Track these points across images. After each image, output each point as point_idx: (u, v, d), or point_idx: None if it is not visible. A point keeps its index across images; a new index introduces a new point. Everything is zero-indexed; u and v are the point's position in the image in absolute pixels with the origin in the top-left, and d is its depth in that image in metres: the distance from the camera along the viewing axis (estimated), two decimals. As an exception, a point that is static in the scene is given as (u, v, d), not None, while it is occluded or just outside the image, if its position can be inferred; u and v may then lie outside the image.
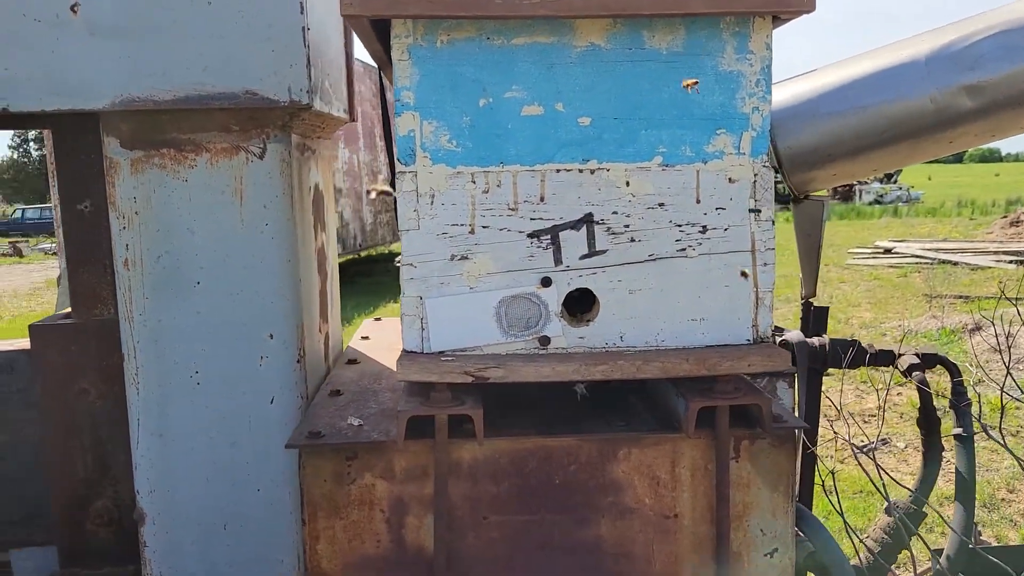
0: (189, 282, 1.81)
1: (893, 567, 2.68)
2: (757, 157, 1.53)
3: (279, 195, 1.79)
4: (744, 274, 1.54)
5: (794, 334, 2.64)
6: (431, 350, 1.53)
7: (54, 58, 1.69)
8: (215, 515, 1.87)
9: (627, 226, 1.53)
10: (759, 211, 1.54)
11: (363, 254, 22.35)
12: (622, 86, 1.51)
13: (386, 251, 21.43)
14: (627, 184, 1.52)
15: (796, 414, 2.54)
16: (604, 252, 1.53)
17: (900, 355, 2.64)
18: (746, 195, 1.54)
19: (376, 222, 21.58)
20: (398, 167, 1.51)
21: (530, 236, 1.53)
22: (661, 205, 1.53)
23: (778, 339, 2.60)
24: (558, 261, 1.53)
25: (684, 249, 1.54)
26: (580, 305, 1.57)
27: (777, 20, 1.51)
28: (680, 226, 1.54)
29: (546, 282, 1.53)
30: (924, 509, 2.64)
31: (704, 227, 1.54)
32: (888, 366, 2.66)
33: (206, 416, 1.84)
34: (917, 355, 2.62)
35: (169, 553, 1.89)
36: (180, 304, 1.81)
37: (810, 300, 2.78)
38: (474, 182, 1.51)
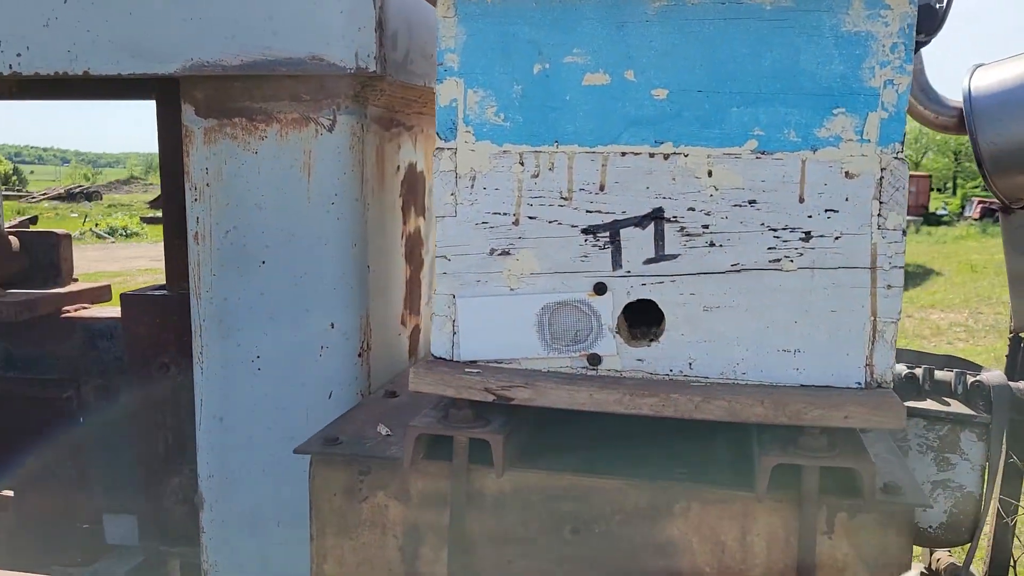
0: (255, 260, 1.70)
1: None
2: (887, 146, 1.17)
3: (348, 172, 1.64)
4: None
5: (994, 375, 2.15)
6: (460, 358, 1.31)
7: (130, 20, 1.63)
8: (270, 510, 1.76)
9: (706, 227, 1.22)
10: (885, 217, 1.18)
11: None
12: (711, 51, 1.20)
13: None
14: (709, 174, 1.22)
15: (985, 473, 2.06)
16: (675, 257, 1.23)
17: None
18: (868, 195, 1.18)
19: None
20: (437, 142, 1.29)
21: (585, 232, 1.26)
22: (752, 203, 1.21)
23: (971, 380, 2.12)
24: (617, 265, 1.25)
25: (779, 260, 1.21)
26: (644, 321, 1.28)
27: (929, -35, 1.14)
28: (776, 231, 1.21)
29: (600, 289, 1.25)
30: None
31: (808, 233, 1.20)
32: (1119, 427, 2.09)
33: (265, 405, 1.73)
34: None
35: (223, 543, 1.80)
36: (245, 283, 1.71)
37: (1021, 335, 2.25)
38: (522, 164, 1.27)
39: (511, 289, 1.29)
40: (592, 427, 1.44)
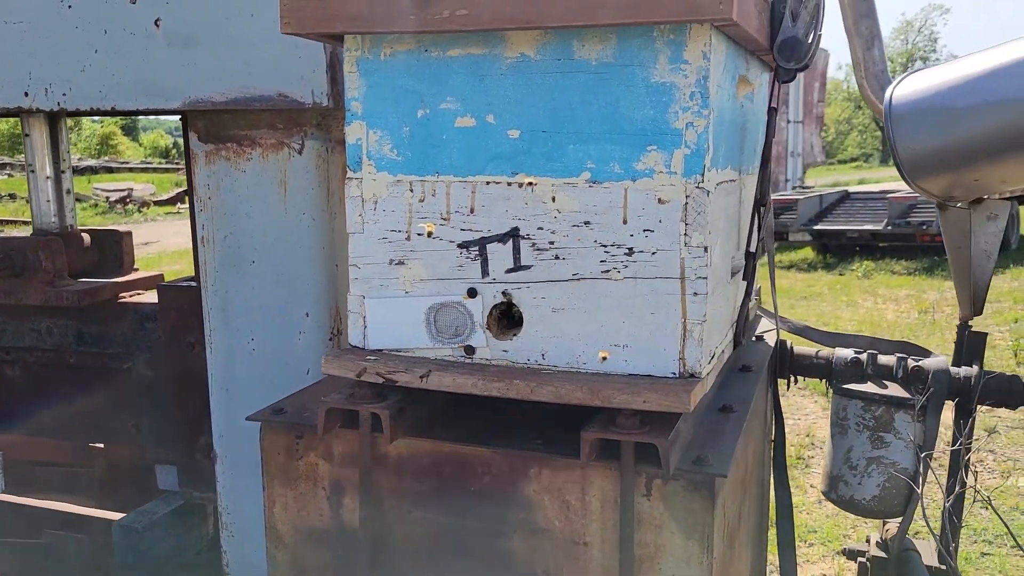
0: (247, 260, 2.06)
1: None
2: (690, 177, 1.40)
3: (315, 187, 1.97)
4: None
5: (936, 360, 2.29)
6: (368, 347, 1.62)
7: (144, 67, 2.01)
8: (266, 464, 2.13)
9: (552, 243, 1.49)
10: (690, 236, 1.41)
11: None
12: (551, 98, 1.46)
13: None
14: (553, 200, 1.48)
15: (920, 450, 2.22)
16: (529, 267, 1.51)
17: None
18: (677, 218, 1.41)
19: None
20: (348, 173, 1.60)
21: (460, 246, 1.54)
22: (587, 223, 1.46)
23: (911, 364, 2.28)
24: (485, 273, 1.53)
25: (609, 271, 1.46)
26: (511, 319, 1.56)
27: (723, 28, 1.35)
28: (606, 247, 1.46)
29: (472, 293, 1.54)
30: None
31: (631, 249, 1.45)
32: (1054, 411, 2.21)
33: (259, 378, 2.10)
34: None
35: (233, 490, 2.19)
36: (240, 279, 2.08)
37: (967, 324, 2.37)
38: (412, 191, 1.56)
39: (406, 292, 1.59)
40: (487, 410, 1.72)
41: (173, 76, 1.98)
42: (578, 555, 1.51)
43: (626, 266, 1.45)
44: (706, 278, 1.42)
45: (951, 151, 1.98)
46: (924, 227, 13.58)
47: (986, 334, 2.34)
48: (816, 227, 15.41)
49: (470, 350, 1.56)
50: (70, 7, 2.02)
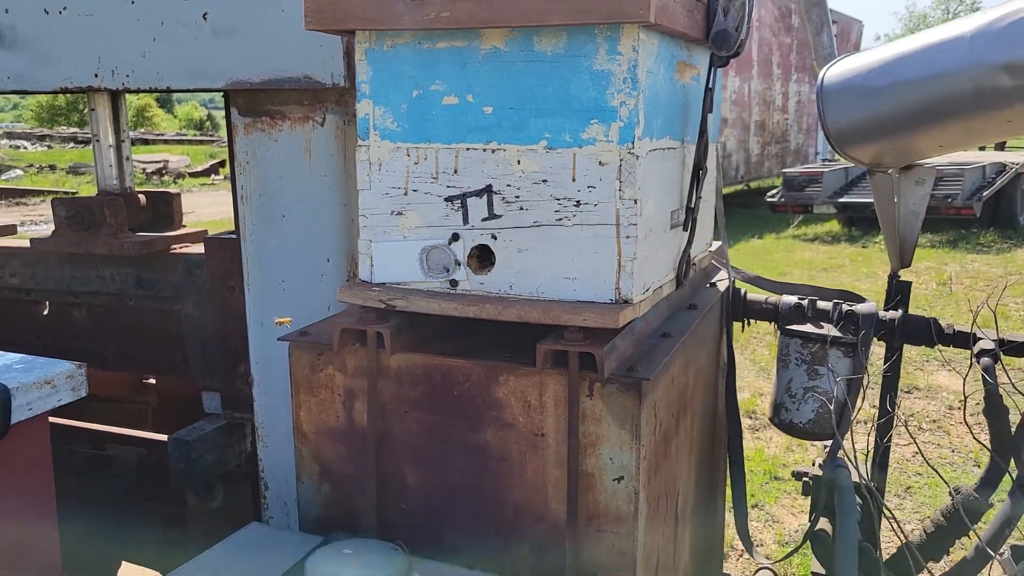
0: (278, 215, 2.47)
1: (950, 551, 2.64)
2: (623, 144, 1.78)
3: (334, 153, 2.37)
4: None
5: (867, 305, 2.66)
6: (374, 281, 2.03)
7: (193, 52, 2.41)
8: (295, 386, 2.55)
9: (518, 197, 1.88)
10: (623, 191, 1.80)
11: (751, 185, 21.96)
12: (517, 82, 1.84)
13: (772, 184, 20.10)
14: (518, 163, 1.87)
15: (848, 381, 2.60)
16: (500, 216, 1.90)
17: (979, 338, 2.54)
18: (613, 176, 1.80)
19: (763, 154, 21.30)
20: (358, 142, 2.00)
21: (446, 200, 1.94)
22: (544, 181, 1.85)
23: (845, 308, 2.65)
24: (466, 221, 1.93)
25: (561, 219, 1.85)
26: (486, 258, 1.95)
27: (652, 27, 1.73)
28: (559, 199, 1.85)
29: (455, 237, 1.94)
30: (991, 500, 2.56)
31: (578, 202, 1.83)
32: (964, 348, 2.57)
33: (288, 314, 2.51)
34: (1001, 340, 2.51)
35: (267, 407, 2.62)
36: (273, 231, 2.49)
37: (896, 274, 2.73)
38: (408, 155, 1.96)
39: (404, 237, 1.99)
40: (467, 332, 2.12)
41: (218, 60, 2.39)
42: (537, 444, 1.92)
43: (574, 215, 1.84)
44: (636, 224, 1.81)
45: (869, 124, 2.34)
46: (949, 200, 13.65)
47: (910, 283, 2.70)
48: (841, 200, 15.54)
49: (454, 283, 1.96)
50: (132, 3, 2.43)
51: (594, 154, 1.81)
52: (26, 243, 3.10)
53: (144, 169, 26.62)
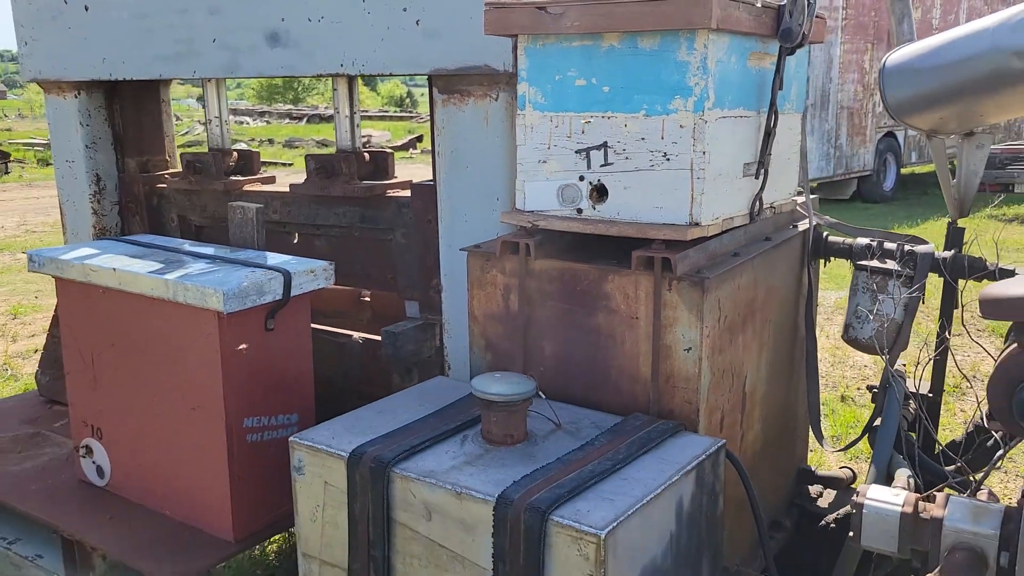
0: (464, 166, 3.40)
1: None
2: (696, 112, 2.56)
3: (504, 121, 3.27)
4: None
5: (925, 247, 3.27)
6: (526, 209, 2.91)
7: (409, 47, 3.37)
8: (471, 293, 3.49)
9: (624, 150, 2.69)
10: (695, 146, 2.57)
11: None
12: (625, 69, 2.65)
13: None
14: (625, 126, 2.68)
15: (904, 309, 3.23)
16: (612, 164, 2.72)
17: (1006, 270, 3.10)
18: (689, 135, 2.58)
19: (968, 131, 20.48)
20: (517, 112, 2.87)
21: (576, 152, 2.78)
22: (643, 139, 2.66)
23: (906, 248, 3.27)
24: (588, 167, 2.77)
25: (653, 165, 2.65)
26: (602, 193, 2.78)
27: (718, 31, 2.49)
28: (652, 151, 2.65)
29: (581, 178, 2.78)
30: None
31: (665, 153, 2.63)
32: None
33: (468, 239, 3.44)
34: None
35: (451, 308, 3.57)
36: (460, 178, 3.42)
37: (955, 222, 3.31)
38: (551, 121, 2.81)
39: (546, 178, 2.85)
40: (589, 246, 2.95)
41: (425, 54, 3.32)
42: (633, 325, 2.74)
43: (663, 163, 2.64)
44: (704, 169, 2.58)
45: (917, 97, 2.96)
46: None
47: (964, 229, 3.27)
48: None
49: (579, 211, 2.81)
50: (368, 13, 3.42)
51: (677, 120, 2.59)
52: (285, 188, 4.22)
53: (351, 143, 28.85)
